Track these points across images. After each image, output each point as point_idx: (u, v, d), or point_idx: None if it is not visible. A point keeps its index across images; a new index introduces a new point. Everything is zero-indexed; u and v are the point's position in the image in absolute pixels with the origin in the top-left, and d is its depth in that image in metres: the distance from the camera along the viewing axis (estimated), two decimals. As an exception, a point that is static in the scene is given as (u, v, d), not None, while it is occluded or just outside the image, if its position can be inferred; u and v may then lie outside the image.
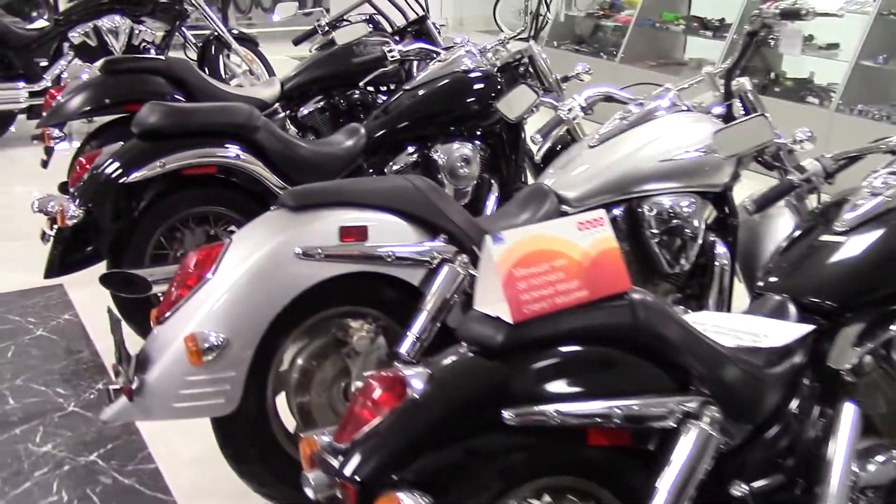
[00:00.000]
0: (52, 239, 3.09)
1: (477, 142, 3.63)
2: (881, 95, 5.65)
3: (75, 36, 6.21)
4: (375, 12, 4.62)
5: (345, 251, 2.33)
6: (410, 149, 3.57)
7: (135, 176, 3.06)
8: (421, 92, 3.58)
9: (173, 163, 3.09)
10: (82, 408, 3.02)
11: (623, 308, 1.60)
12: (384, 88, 4.45)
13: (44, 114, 4.01)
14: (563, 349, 1.56)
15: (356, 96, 4.40)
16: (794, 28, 5.75)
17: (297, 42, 4.65)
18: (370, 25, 4.57)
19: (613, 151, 2.72)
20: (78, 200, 3.03)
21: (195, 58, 6.79)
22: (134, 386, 2.16)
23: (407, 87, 3.63)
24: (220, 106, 3.22)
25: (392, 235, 2.40)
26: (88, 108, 3.95)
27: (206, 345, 2.16)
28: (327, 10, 5.02)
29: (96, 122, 4.13)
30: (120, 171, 3.06)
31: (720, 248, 2.70)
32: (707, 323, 1.81)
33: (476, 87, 3.60)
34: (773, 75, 6.23)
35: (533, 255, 1.57)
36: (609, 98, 3.05)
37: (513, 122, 3.30)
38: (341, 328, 2.42)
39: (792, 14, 2.68)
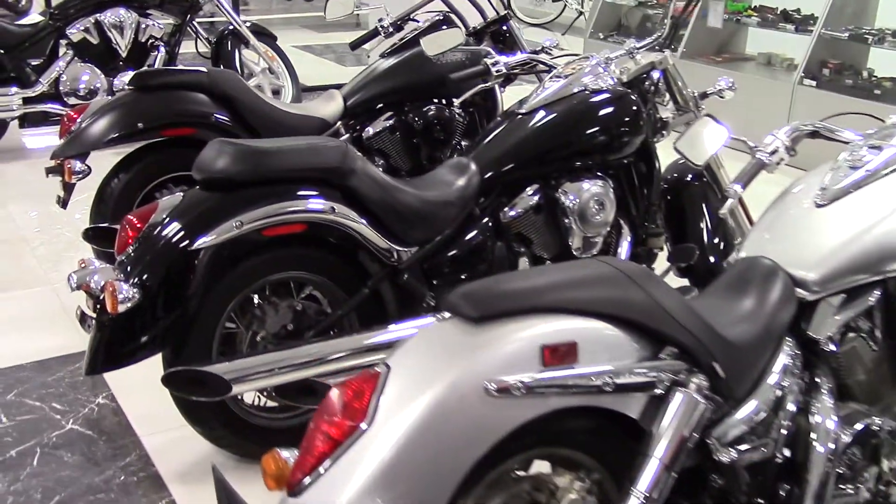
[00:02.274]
0: (94, 325, 2.35)
1: (608, 178, 2.93)
2: None
3: (74, 33, 5.42)
4: (448, 10, 3.90)
5: (552, 381, 1.63)
6: (530, 189, 2.86)
7: (205, 241, 2.33)
8: (542, 118, 2.86)
9: (253, 221, 2.37)
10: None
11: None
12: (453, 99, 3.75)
13: (61, 140, 3.24)
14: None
15: (432, 113, 3.67)
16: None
17: (354, 46, 3.92)
18: (443, 26, 3.84)
19: (859, 215, 2.03)
20: (131, 276, 2.30)
21: (209, 55, 6.04)
22: None
23: (522, 112, 2.91)
24: (307, 145, 2.48)
25: (605, 351, 1.70)
26: (117, 133, 3.19)
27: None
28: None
29: (124, 149, 3.36)
30: (185, 235, 2.33)
31: None
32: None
33: (607, 111, 2.89)
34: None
35: None
36: (817, 134, 2.36)
37: (699, 167, 2.60)
38: (537, 485, 1.73)
39: None
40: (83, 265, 2.45)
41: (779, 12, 6.13)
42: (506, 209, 2.85)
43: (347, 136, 3.61)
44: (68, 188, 3.26)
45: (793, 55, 6.18)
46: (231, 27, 5.97)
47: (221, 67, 5.90)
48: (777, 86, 5.78)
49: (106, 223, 3.24)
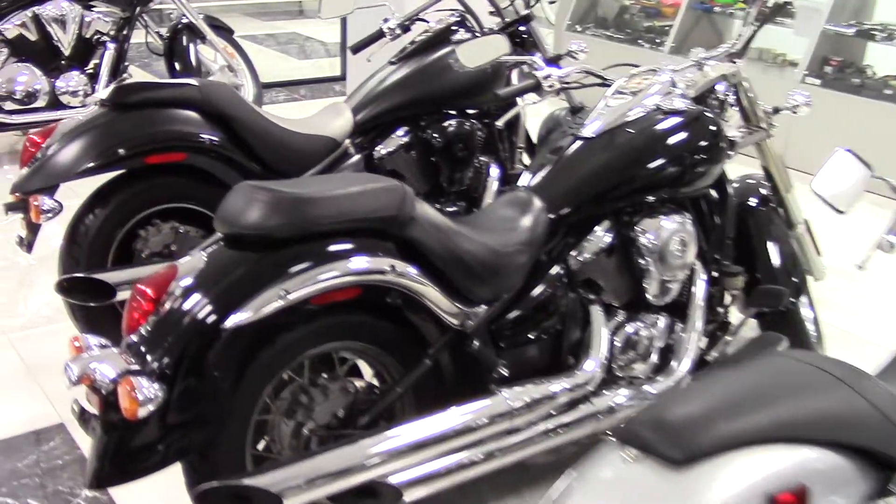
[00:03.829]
0: (99, 427, 1.83)
1: (686, 213, 2.52)
2: None
3: (9, 28, 4.77)
4: (463, 10, 3.43)
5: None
6: (601, 228, 2.43)
7: (241, 318, 1.83)
8: (614, 144, 2.43)
9: (301, 290, 1.88)
10: None
11: None
12: (473, 111, 3.30)
13: (23, 171, 2.68)
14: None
15: (452, 129, 3.21)
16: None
17: (356, 50, 3.42)
18: (458, 27, 3.37)
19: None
20: (149, 366, 1.79)
21: (160, 50, 5.43)
22: None
23: (586, 136, 2.46)
24: (359, 189, 1.99)
25: (835, 491, 1.29)
26: (93, 162, 2.63)
27: None
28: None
29: (98, 177, 2.81)
30: (215, 310, 1.83)
31: None
32: None
33: (687, 135, 2.47)
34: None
35: None
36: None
37: (841, 212, 2.19)
38: None
39: None
40: (78, 346, 1.93)
41: (771, 5, 5.81)
42: (573, 252, 2.41)
43: (358, 156, 3.12)
44: (34, 229, 2.70)
45: (784, 50, 5.89)
46: (185, 20, 5.37)
47: (176, 66, 5.32)
48: (779, 85, 5.45)
49: (80, 268, 2.71)
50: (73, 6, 4.90)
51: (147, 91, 2.76)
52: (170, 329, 1.83)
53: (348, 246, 1.96)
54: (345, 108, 3.13)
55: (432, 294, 2.06)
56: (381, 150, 3.17)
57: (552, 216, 2.35)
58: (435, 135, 3.19)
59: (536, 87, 2.61)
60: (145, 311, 1.87)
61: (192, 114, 2.78)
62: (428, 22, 3.43)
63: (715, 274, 2.66)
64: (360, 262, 1.95)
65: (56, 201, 2.63)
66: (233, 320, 1.83)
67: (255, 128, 2.84)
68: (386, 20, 3.38)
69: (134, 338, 1.86)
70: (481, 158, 3.32)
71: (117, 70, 5.09)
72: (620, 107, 2.51)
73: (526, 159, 3.53)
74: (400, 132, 3.19)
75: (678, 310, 2.58)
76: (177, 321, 1.83)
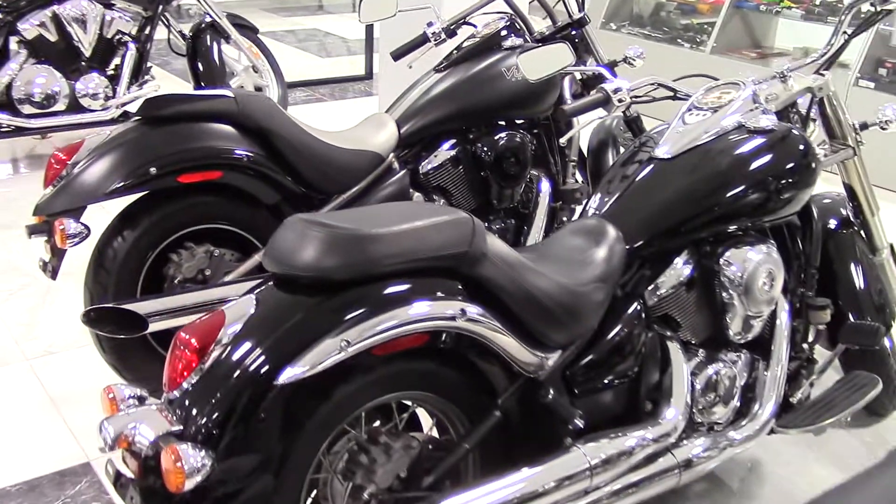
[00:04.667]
0: (138, 494, 1.63)
1: (771, 242, 2.30)
2: None
3: (27, 28, 4.57)
4: (512, 13, 3.20)
5: None
6: (681, 259, 2.21)
7: (297, 372, 1.61)
8: (696, 166, 2.20)
9: (364, 340, 1.66)
10: None
11: None
12: (522, 122, 3.08)
13: (46, 190, 2.48)
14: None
15: (503, 142, 2.99)
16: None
17: (397, 56, 3.20)
18: (510, 35, 3.14)
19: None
20: (194, 427, 1.59)
21: (183, 51, 5.22)
22: None
23: (662, 156, 2.24)
24: (425, 224, 1.76)
25: None
26: (123, 182, 2.43)
27: None
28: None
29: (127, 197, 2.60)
30: (267, 362, 1.61)
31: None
32: None
33: (777, 157, 2.24)
34: None
35: None
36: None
37: None
38: None
39: None
40: (112, 398, 1.72)
41: (818, 3, 5.57)
42: (650, 286, 2.20)
43: (403, 171, 2.91)
44: (59, 254, 2.49)
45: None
46: (209, 18, 5.17)
47: (200, 66, 5.11)
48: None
49: (108, 296, 2.51)
50: (93, 5, 4.70)
51: (180, 103, 2.54)
52: (217, 385, 1.62)
53: (414, 288, 1.74)
54: (388, 120, 2.92)
55: (505, 340, 1.84)
56: (427, 164, 2.95)
57: (629, 247, 2.13)
58: (485, 148, 2.97)
59: (605, 102, 2.40)
60: (189, 363, 1.66)
61: (229, 128, 2.57)
62: (475, 26, 3.21)
63: (797, 306, 2.44)
64: (428, 308, 1.73)
65: (83, 225, 2.43)
66: (287, 375, 1.62)
67: (295, 143, 2.63)
68: (430, 24, 3.16)
69: (177, 393, 1.65)
70: (532, 172, 3.11)
71: (139, 71, 4.89)
72: (699, 125, 2.29)
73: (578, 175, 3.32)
74: (447, 145, 2.97)
75: (759, 347, 2.36)
76: (225, 376, 1.62)
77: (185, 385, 1.65)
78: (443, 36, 3.15)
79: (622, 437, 2.03)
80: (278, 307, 1.71)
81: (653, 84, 2.51)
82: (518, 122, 3.07)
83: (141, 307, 2.39)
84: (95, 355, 2.66)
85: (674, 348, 2.20)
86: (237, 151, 2.55)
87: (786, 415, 2.37)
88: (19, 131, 4.61)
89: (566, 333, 1.96)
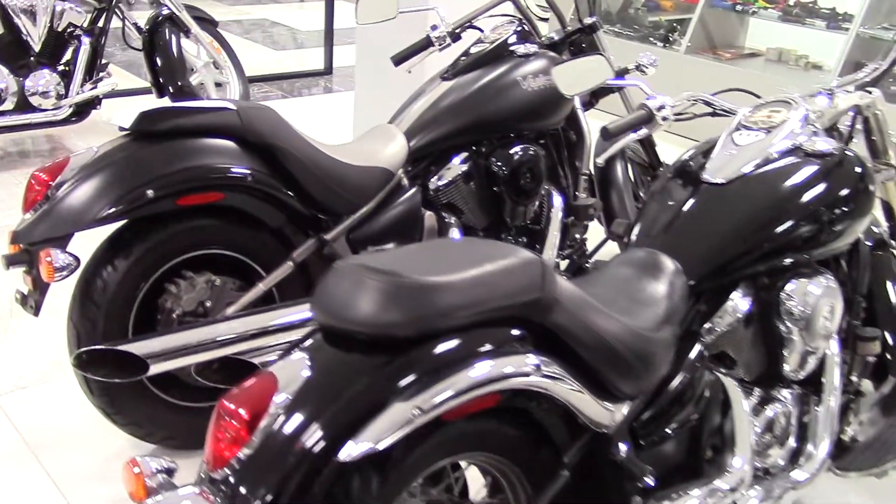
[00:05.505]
0: None
1: (828, 273, 2.16)
2: None
3: (-29, 21, 4.20)
4: (521, 17, 3.00)
5: None
6: (738, 293, 2.04)
7: (361, 448, 1.39)
8: (754, 194, 2.03)
9: (435, 408, 1.45)
10: None
11: None
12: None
13: (26, 216, 2.19)
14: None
15: (518, 156, 2.80)
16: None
17: (399, 61, 2.97)
18: (520, 42, 2.94)
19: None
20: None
21: (139, 45, 4.90)
22: None
23: (713, 181, 2.07)
24: (493, 269, 1.55)
25: None
26: (114, 207, 2.15)
27: None
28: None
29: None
30: (326, 437, 1.39)
31: None
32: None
33: (837, 184, 2.09)
34: None
35: None
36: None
37: None
38: None
39: None
40: (137, 473, 1.48)
41: (793, 4, 5.51)
42: (706, 324, 2.03)
43: (414, 189, 2.69)
44: (42, 287, 2.20)
45: (807, 52, 5.59)
46: (166, 10, 4.85)
47: (158, 62, 4.80)
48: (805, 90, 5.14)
49: (97, 332, 2.24)
50: (43, -5, 4.35)
51: (178, 117, 2.28)
52: (271, 464, 1.39)
53: (484, 342, 1.54)
54: (396, 133, 2.70)
55: (577, 394, 1.66)
56: (438, 180, 2.74)
57: (691, 282, 1.97)
58: (498, 162, 2.77)
59: (648, 120, 2.23)
60: (237, 437, 1.42)
61: (231, 144, 2.32)
62: (481, 30, 3.00)
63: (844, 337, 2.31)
64: (502, 364, 1.53)
65: (71, 255, 2.15)
66: (350, 451, 1.40)
67: (303, 160, 2.39)
68: (434, 27, 2.94)
69: (224, 473, 1.42)
70: (544, 187, 2.93)
71: (94, 67, 4.56)
72: (752, 147, 2.13)
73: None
74: (458, 160, 2.76)
75: (810, 382, 2.22)
76: (280, 454, 1.39)
77: (233, 463, 1.42)
78: (448, 40, 2.94)
79: (693, 493, 1.86)
80: (335, 370, 1.49)
81: (694, 100, 2.35)
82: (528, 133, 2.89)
83: (140, 348, 2.13)
84: (71, 389, 2.40)
85: (733, 389, 2.04)
86: (240, 170, 2.31)
87: (843, 455, 2.24)
88: (-37, 133, 4.25)
89: (639, 383, 1.78)
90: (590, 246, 3.09)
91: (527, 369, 1.57)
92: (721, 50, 5.69)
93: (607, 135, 2.17)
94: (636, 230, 2.14)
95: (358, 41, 4.37)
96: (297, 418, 1.42)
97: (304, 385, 1.46)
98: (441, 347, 1.51)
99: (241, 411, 1.44)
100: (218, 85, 5.21)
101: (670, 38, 5.87)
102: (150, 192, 2.19)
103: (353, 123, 4.58)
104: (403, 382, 1.46)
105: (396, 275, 1.49)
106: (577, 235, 3.01)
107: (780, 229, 2.04)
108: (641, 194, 3.30)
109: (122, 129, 2.26)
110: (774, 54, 5.66)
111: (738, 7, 5.56)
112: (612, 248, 3.23)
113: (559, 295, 1.64)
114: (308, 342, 1.54)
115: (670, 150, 3.36)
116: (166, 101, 4.83)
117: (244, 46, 7.59)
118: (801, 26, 5.36)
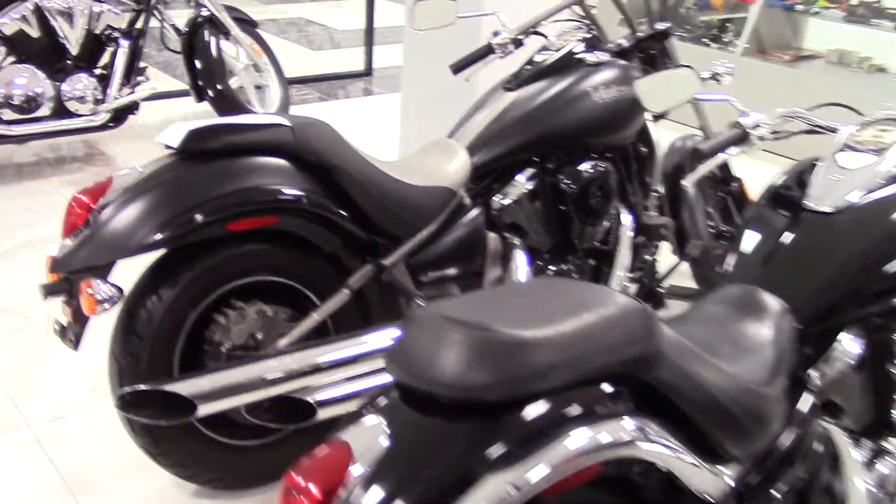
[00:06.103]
0: None
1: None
2: None
3: (6, 23, 4.06)
4: (588, 22, 2.80)
5: None
6: (848, 336, 1.84)
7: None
8: (863, 226, 1.83)
9: (533, 486, 1.27)
10: None
11: None
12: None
13: (65, 241, 2.03)
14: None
15: (588, 173, 2.60)
16: None
17: (457, 69, 2.78)
18: (589, 50, 2.73)
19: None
20: None
21: (178, 48, 4.75)
22: None
23: (815, 209, 1.86)
24: (593, 322, 1.37)
25: None
26: (163, 233, 1.98)
27: None
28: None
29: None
30: (417, 520, 1.22)
31: None
32: None
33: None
34: None
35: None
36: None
37: None
38: None
39: None
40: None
41: (857, 3, 5.25)
42: (813, 370, 1.83)
43: (477, 210, 2.50)
44: (82, 320, 2.04)
45: (870, 53, 5.33)
46: (206, 12, 4.70)
47: (197, 65, 4.64)
48: (869, 96, 4.89)
49: (141, 367, 2.08)
50: (80, -3, 4.21)
51: (228, 134, 2.10)
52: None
53: (584, 405, 1.34)
54: (458, 148, 2.51)
55: (684, 459, 1.46)
56: (501, 199, 2.55)
57: (801, 326, 1.76)
58: (567, 179, 2.58)
59: (743, 139, 2.02)
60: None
61: (285, 163, 2.14)
62: (546, 37, 2.81)
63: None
64: (604, 432, 1.34)
65: (114, 287, 1.98)
66: (440, 533, 1.22)
67: (362, 180, 2.21)
68: (495, 34, 2.74)
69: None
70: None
71: (132, 71, 4.41)
72: (863, 171, 1.92)
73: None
74: (523, 177, 2.57)
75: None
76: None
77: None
78: (510, 47, 2.74)
79: None
80: (416, 437, 1.30)
81: (791, 117, 2.14)
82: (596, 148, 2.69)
83: (187, 388, 1.96)
84: (110, 419, 2.24)
85: (843, 443, 1.84)
86: (295, 192, 2.13)
87: None
88: (-3, 139, 4.11)
89: (750, 443, 1.58)
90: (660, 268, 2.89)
91: (630, 435, 1.37)
92: (779, 52, 5.44)
93: (700, 156, 1.98)
94: (730, 262, 1.93)
95: (405, 44, 4.17)
96: (377, 495, 1.24)
97: (382, 456, 1.27)
98: (535, 412, 1.32)
99: (313, 488, 1.26)
100: (257, 87, 5.06)
101: (724, 39, 5.62)
102: (198, 217, 2.01)
103: (400, 131, 4.39)
104: (495, 454, 1.27)
105: (485, 328, 1.30)
106: (648, 257, 2.81)
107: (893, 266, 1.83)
108: (710, 210, 3.09)
109: (168, 147, 2.09)
110: (835, 56, 5.41)
111: (799, 7, 5.30)
112: (684, 269, 3.03)
113: (664, 346, 1.44)
114: (383, 402, 1.36)
115: (743, 163, 3.14)
116: (205, 106, 4.70)
117: (280, 46, 7.44)
118: (865, 27, 5.10)
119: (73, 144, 4.70)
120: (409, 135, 4.32)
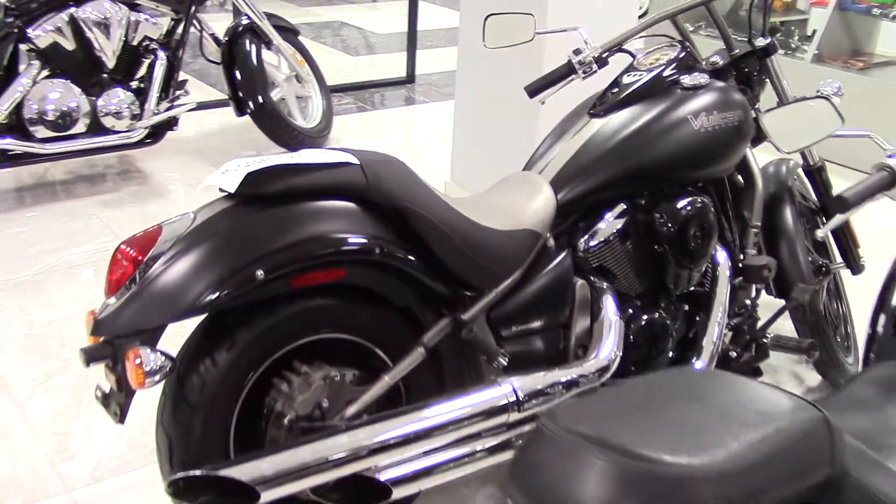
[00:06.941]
0: None
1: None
2: None
3: (41, 36, 3.84)
4: (681, 39, 2.51)
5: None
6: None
7: None
8: None
9: None
10: None
11: None
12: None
13: (110, 300, 1.78)
14: None
15: (687, 210, 2.31)
16: None
17: (533, 91, 2.51)
18: (683, 73, 2.45)
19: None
20: None
21: (218, 58, 4.52)
22: None
23: None
24: (761, 439, 1.09)
25: None
26: (219, 292, 1.73)
27: None
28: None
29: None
30: None
31: None
32: None
33: None
34: None
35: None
36: None
37: None
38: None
39: None
40: None
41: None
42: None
43: (564, 253, 2.23)
44: (129, 392, 1.79)
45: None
46: (246, 20, 4.47)
47: (238, 76, 4.41)
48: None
49: (193, 439, 1.83)
50: (117, 6, 3.97)
51: (291, 177, 1.84)
52: None
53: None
54: (542, 183, 2.23)
55: None
56: (588, 240, 2.27)
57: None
58: (662, 217, 2.29)
59: (892, 184, 1.73)
60: None
61: (354, 207, 1.88)
62: (634, 56, 2.52)
63: None
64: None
65: (165, 355, 1.73)
66: None
67: (439, 225, 1.95)
68: (577, 52, 2.46)
69: None
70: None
71: (170, 84, 4.17)
72: None
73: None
74: (611, 215, 2.29)
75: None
76: None
77: None
78: (594, 67, 2.46)
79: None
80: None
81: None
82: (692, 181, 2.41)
83: (247, 472, 1.70)
84: (154, 480, 2.00)
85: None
86: (366, 241, 1.86)
87: None
88: (30, 157, 3.89)
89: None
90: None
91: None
92: (850, 58, 5.12)
93: (845, 205, 1.69)
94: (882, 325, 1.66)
95: (460, 49, 3.89)
96: None
97: None
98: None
99: None
100: (299, 98, 4.82)
101: (792, 45, 5.31)
102: (259, 273, 1.76)
103: (452, 148, 4.12)
104: None
105: (636, 456, 1.03)
106: (748, 301, 2.52)
107: None
108: (809, 246, 2.79)
109: (223, 190, 1.83)
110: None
111: (875, 11, 4.98)
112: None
113: (849, 466, 1.16)
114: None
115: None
116: (246, 119, 4.46)
117: (317, 52, 7.20)
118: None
119: (107, 159, 4.48)
120: (462, 152, 4.05)
